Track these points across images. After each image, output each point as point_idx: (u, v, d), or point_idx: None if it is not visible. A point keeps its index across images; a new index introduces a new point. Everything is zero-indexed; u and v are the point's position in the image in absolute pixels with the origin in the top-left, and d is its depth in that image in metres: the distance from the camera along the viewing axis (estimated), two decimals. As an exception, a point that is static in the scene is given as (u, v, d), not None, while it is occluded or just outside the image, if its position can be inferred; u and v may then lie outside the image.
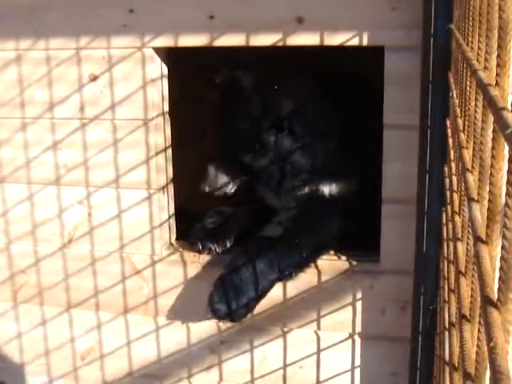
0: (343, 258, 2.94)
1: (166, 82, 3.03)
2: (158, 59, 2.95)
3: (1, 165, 3.31)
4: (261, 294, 2.79)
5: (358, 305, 2.90)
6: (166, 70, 3.03)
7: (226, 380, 3.19)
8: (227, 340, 3.13)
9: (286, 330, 3.02)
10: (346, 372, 2.99)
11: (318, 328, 2.97)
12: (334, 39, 2.67)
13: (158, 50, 2.94)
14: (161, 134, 3.04)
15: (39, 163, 3.22)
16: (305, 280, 2.89)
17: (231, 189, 3.02)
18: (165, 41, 2.89)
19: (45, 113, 3.13)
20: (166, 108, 3.07)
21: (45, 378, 3.55)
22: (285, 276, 2.81)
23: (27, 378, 3.60)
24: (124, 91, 2.99)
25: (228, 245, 3.03)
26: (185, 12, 2.85)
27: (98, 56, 3.01)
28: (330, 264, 2.91)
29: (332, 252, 2.97)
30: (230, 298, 2.73)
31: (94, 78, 3.04)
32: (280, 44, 2.72)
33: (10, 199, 3.34)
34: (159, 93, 2.99)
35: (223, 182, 3.00)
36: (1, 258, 3.45)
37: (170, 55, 3.03)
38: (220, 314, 2.75)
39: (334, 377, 3.02)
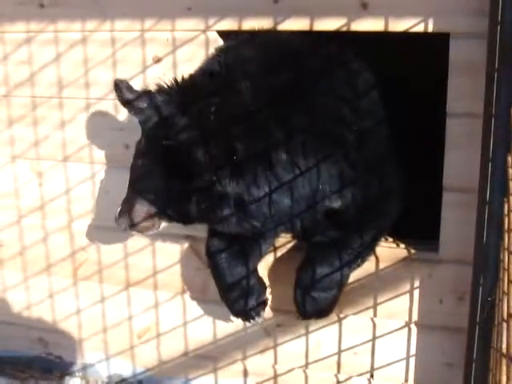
0: (402, 245, 2.92)
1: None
2: (221, 42, 2.95)
3: (64, 144, 3.36)
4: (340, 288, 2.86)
5: (416, 293, 2.88)
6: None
7: (281, 363, 3.21)
8: (283, 324, 3.14)
9: (341, 316, 3.02)
10: (400, 360, 2.98)
11: (374, 315, 2.97)
12: (399, 25, 2.64)
13: (221, 33, 2.95)
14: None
15: (102, 143, 3.27)
16: (363, 267, 2.88)
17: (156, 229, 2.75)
18: (229, 24, 2.89)
19: (108, 94, 3.17)
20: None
21: (102, 354, 3.62)
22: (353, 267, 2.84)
23: (85, 354, 3.67)
24: (187, 74, 3.00)
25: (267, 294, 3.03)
26: (249, -4, 2.85)
27: (162, 38, 3.03)
28: (389, 251, 2.90)
29: (391, 239, 2.95)
30: (316, 299, 2.81)
31: (158, 60, 3.06)
32: (344, 29, 2.71)
33: (73, 178, 3.40)
34: (222, 76, 2.99)
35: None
36: (62, 236, 3.51)
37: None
38: (308, 314, 2.89)
39: (388, 365, 3.01)
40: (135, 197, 2.64)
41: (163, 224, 2.71)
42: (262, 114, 2.45)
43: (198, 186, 2.45)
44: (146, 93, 2.60)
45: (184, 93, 2.55)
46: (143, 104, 2.56)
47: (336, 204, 2.66)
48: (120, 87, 2.61)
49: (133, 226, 2.69)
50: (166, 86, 2.57)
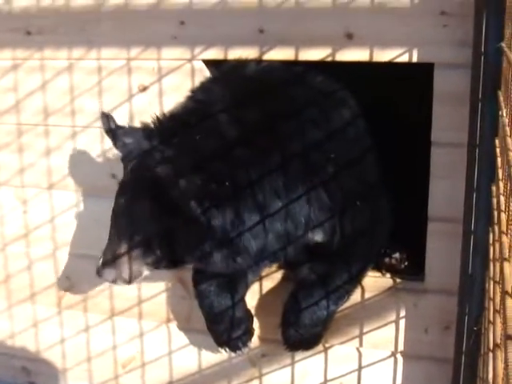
0: (387, 275, 2.91)
1: (214, 94, 3.04)
2: (207, 71, 2.96)
3: (50, 172, 3.36)
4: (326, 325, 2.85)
5: (401, 323, 2.87)
6: (214, 83, 3.04)
7: (266, 393, 3.19)
8: (268, 353, 3.12)
9: (327, 345, 3.01)
10: (386, 390, 2.97)
11: (360, 345, 2.95)
12: (384, 55, 2.66)
13: (207, 63, 2.96)
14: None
15: (88, 171, 3.26)
16: (348, 296, 2.87)
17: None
18: (214, 53, 2.91)
19: (94, 122, 3.17)
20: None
21: (86, 384, 3.59)
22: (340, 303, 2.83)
23: (68, 384, 3.64)
24: (173, 102, 3.00)
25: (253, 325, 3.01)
26: (235, 25, 2.86)
27: (148, 67, 3.04)
28: (374, 281, 2.89)
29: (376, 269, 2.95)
30: (302, 334, 2.81)
31: (144, 89, 3.07)
32: (329, 59, 2.72)
33: (58, 206, 3.39)
34: (207, 105, 3.00)
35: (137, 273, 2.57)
36: (47, 264, 3.49)
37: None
38: (293, 348, 2.90)
39: (374, 395, 2.99)
40: (119, 241, 2.51)
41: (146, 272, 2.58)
42: (240, 145, 2.43)
43: (185, 218, 2.39)
44: (131, 128, 2.59)
45: (165, 127, 2.53)
46: (126, 139, 2.53)
47: (318, 237, 2.66)
48: (107, 120, 2.58)
49: (120, 276, 2.54)
50: (148, 122, 2.55)
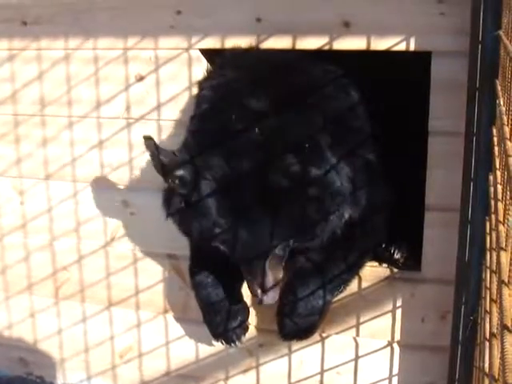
0: (384, 265, 2.91)
1: (211, 83, 3.03)
2: (204, 61, 2.95)
3: (47, 162, 3.35)
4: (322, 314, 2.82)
5: (398, 313, 2.87)
6: (211, 72, 3.03)
7: (263, 383, 3.19)
8: (265, 343, 3.12)
9: (324, 335, 3.01)
10: (383, 380, 2.96)
11: (357, 334, 2.96)
12: (381, 44, 2.66)
13: (204, 52, 2.95)
14: (205, 136, 3.04)
15: (85, 162, 3.26)
16: (345, 286, 2.87)
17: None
18: (211, 42, 2.90)
19: (91, 112, 3.17)
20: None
21: (83, 374, 3.58)
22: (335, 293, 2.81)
23: (66, 374, 3.64)
24: (170, 92, 3.01)
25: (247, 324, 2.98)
26: (232, 14, 2.86)
27: (144, 56, 3.03)
28: (371, 271, 2.89)
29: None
30: (297, 323, 2.77)
31: (141, 79, 3.06)
32: (326, 48, 2.72)
33: (55, 196, 3.38)
34: (205, 94, 2.99)
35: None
36: (44, 255, 3.49)
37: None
38: (289, 337, 2.84)
39: (371, 384, 3.00)
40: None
41: None
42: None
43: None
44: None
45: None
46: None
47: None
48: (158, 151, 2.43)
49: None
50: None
